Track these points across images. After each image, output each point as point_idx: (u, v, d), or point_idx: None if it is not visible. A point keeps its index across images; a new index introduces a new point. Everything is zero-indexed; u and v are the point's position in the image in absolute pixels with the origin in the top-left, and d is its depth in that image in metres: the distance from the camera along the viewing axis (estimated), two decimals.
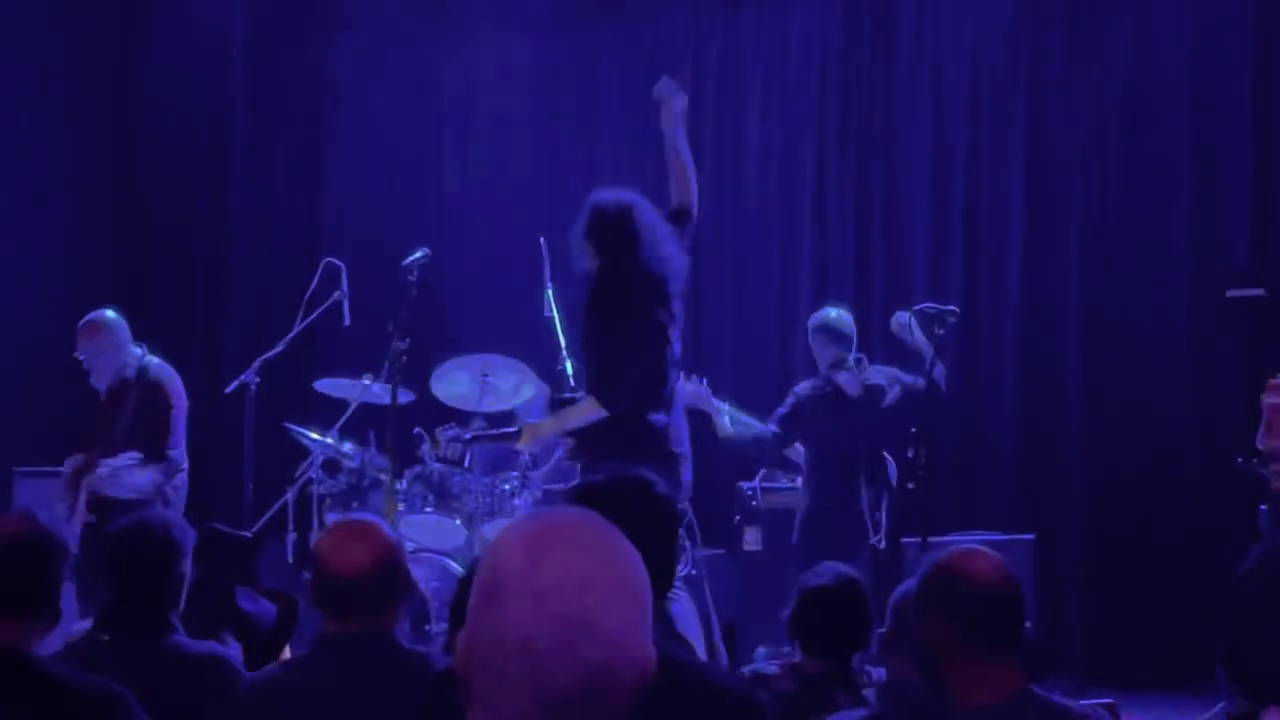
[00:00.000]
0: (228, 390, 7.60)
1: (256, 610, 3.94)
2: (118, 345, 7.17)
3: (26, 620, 3.06)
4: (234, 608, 4.14)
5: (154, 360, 7.24)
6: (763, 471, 8.16)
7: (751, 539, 7.93)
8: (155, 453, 7.01)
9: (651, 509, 2.93)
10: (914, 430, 6.21)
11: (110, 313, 7.21)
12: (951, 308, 6.68)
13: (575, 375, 7.16)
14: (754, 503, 7.98)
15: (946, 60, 8.87)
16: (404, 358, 6.90)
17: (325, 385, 7.97)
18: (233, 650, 3.98)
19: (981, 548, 3.04)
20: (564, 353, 6.97)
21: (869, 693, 3.55)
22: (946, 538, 6.32)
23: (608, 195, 5.94)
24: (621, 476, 3.01)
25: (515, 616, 1.62)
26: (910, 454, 6.17)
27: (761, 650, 7.26)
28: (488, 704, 1.64)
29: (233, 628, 4.10)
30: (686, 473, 5.93)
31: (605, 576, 1.64)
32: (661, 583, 2.72)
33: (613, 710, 1.64)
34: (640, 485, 2.99)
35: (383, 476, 7.25)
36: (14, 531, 3.08)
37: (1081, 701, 3.36)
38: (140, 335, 10.03)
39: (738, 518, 8.01)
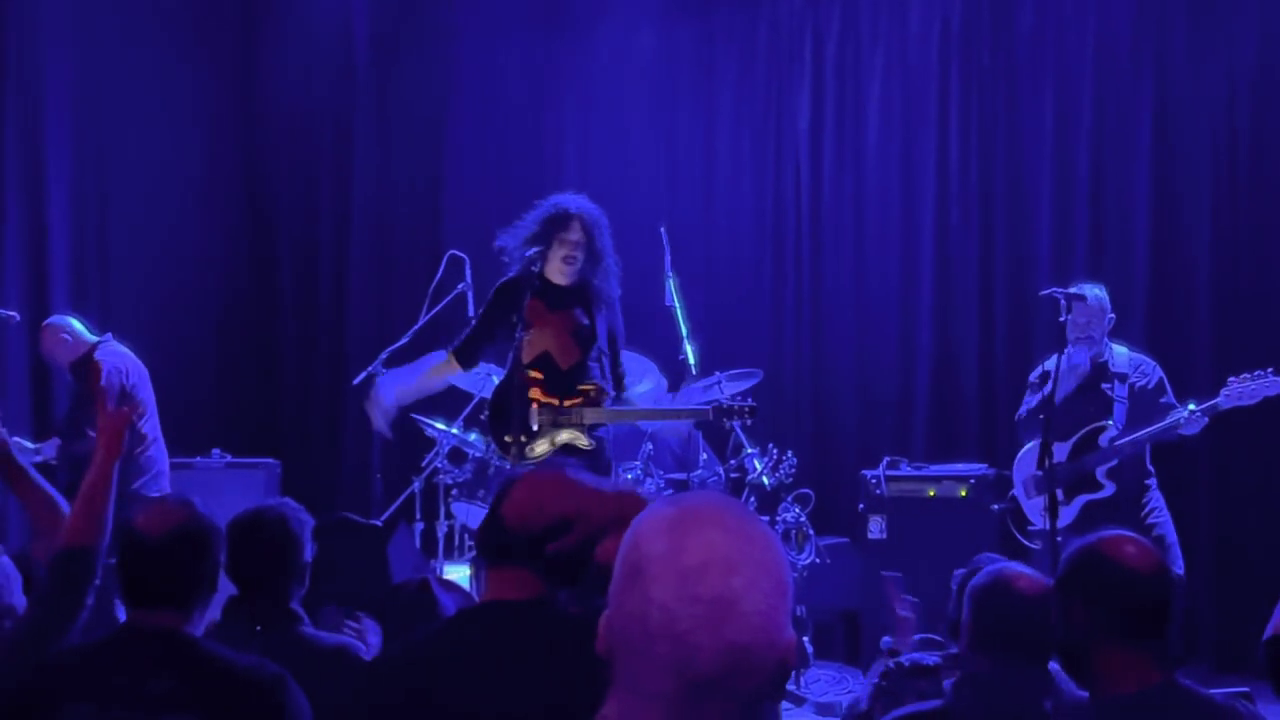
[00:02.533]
0: (355, 382, 7.71)
1: (445, 600, 3.99)
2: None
3: (188, 606, 3.15)
4: (367, 594, 4.20)
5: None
6: (886, 459, 8.11)
7: (875, 528, 7.88)
8: None
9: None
10: (1042, 416, 6.13)
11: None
12: (1077, 291, 6.57)
13: (696, 363, 7.19)
14: (878, 491, 7.93)
15: (1070, 38, 8.74)
16: (526, 348, 6.96)
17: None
18: (371, 634, 4.04)
19: (1130, 533, 2.98)
20: (685, 341, 6.98)
21: (946, 684, 3.51)
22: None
23: None
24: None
25: (658, 599, 1.63)
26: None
27: (886, 639, 7.21)
28: (630, 684, 1.66)
29: (371, 613, 4.16)
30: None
31: (748, 559, 1.65)
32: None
33: (753, 691, 1.65)
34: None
35: (507, 465, 7.31)
36: (175, 523, 3.16)
37: (1216, 691, 3.30)
38: (268, 331, 10.25)
39: (861, 506, 7.97)
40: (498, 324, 6.66)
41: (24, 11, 8.83)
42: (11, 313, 7.14)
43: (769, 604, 1.67)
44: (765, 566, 1.68)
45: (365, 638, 4.01)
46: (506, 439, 6.59)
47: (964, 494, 7.84)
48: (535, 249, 6.58)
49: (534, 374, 6.67)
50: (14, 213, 8.76)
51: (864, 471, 8.07)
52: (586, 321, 6.71)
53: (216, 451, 8.92)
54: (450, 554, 8.06)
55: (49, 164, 8.96)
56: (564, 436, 6.63)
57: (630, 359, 7.43)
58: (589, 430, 6.63)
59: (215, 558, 3.21)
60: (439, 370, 6.87)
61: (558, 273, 6.73)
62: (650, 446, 7.84)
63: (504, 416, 6.50)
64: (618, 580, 1.71)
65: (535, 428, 6.65)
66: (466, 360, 6.84)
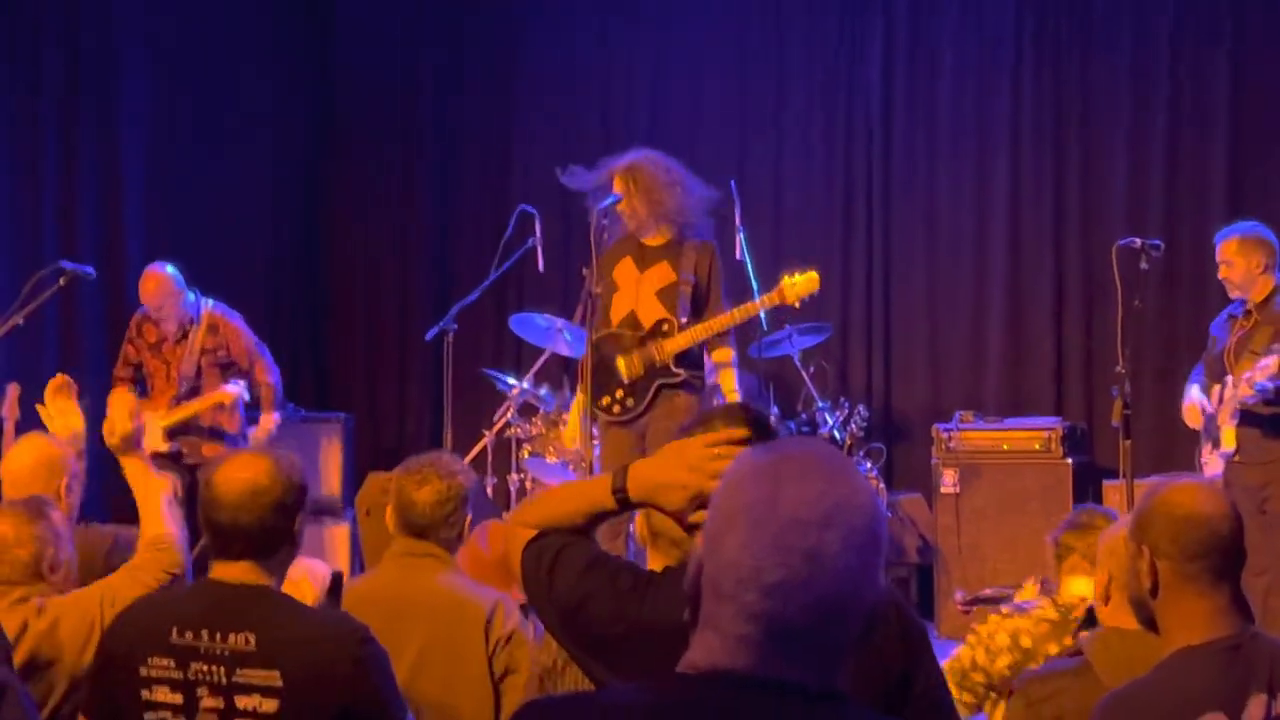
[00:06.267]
0: (427, 337, 7.74)
1: None
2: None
3: (270, 559, 3.17)
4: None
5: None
6: (958, 414, 8.07)
7: (948, 482, 7.85)
8: None
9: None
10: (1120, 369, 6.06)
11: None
12: (1156, 241, 6.48)
13: (766, 317, 7.15)
14: (951, 445, 7.89)
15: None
16: (596, 302, 6.95)
17: (518, 323, 8.08)
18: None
19: (1200, 480, 2.94)
20: (756, 296, 6.93)
21: (1080, 639, 3.47)
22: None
23: None
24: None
25: (751, 547, 1.63)
26: (1115, 392, 6.04)
27: (960, 594, 7.20)
28: (715, 626, 1.66)
29: None
30: None
31: (842, 510, 1.64)
32: None
33: (840, 642, 1.65)
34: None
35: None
36: (257, 476, 3.17)
37: None
38: (339, 288, 10.30)
39: (934, 460, 7.93)
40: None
41: (100, 20, 8.88)
42: (87, 268, 7.20)
43: (861, 557, 1.66)
44: (860, 518, 1.66)
45: None
46: (604, 400, 6.59)
47: (1038, 447, 7.79)
48: (606, 203, 6.55)
49: (617, 331, 6.66)
50: (89, 175, 8.83)
51: (937, 425, 8.03)
52: (686, 279, 6.64)
53: (290, 405, 9.00)
54: None
55: (123, 131, 9.02)
56: (657, 382, 6.61)
57: None
58: (677, 361, 6.59)
59: (297, 511, 3.21)
60: None
61: (635, 225, 6.69)
62: (719, 402, 7.83)
63: (597, 379, 6.48)
64: (711, 524, 1.71)
65: (627, 380, 6.64)
66: None
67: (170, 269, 7.55)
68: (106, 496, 6.94)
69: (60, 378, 5.21)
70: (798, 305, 6.66)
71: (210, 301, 7.67)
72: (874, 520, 1.68)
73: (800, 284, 6.58)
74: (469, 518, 3.93)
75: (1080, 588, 4.01)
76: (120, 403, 4.34)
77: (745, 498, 1.66)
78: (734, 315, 6.58)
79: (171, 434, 7.51)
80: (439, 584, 3.82)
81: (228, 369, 7.59)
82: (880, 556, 1.69)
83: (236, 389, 7.50)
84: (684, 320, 6.58)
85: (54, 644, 3.62)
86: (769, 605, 1.61)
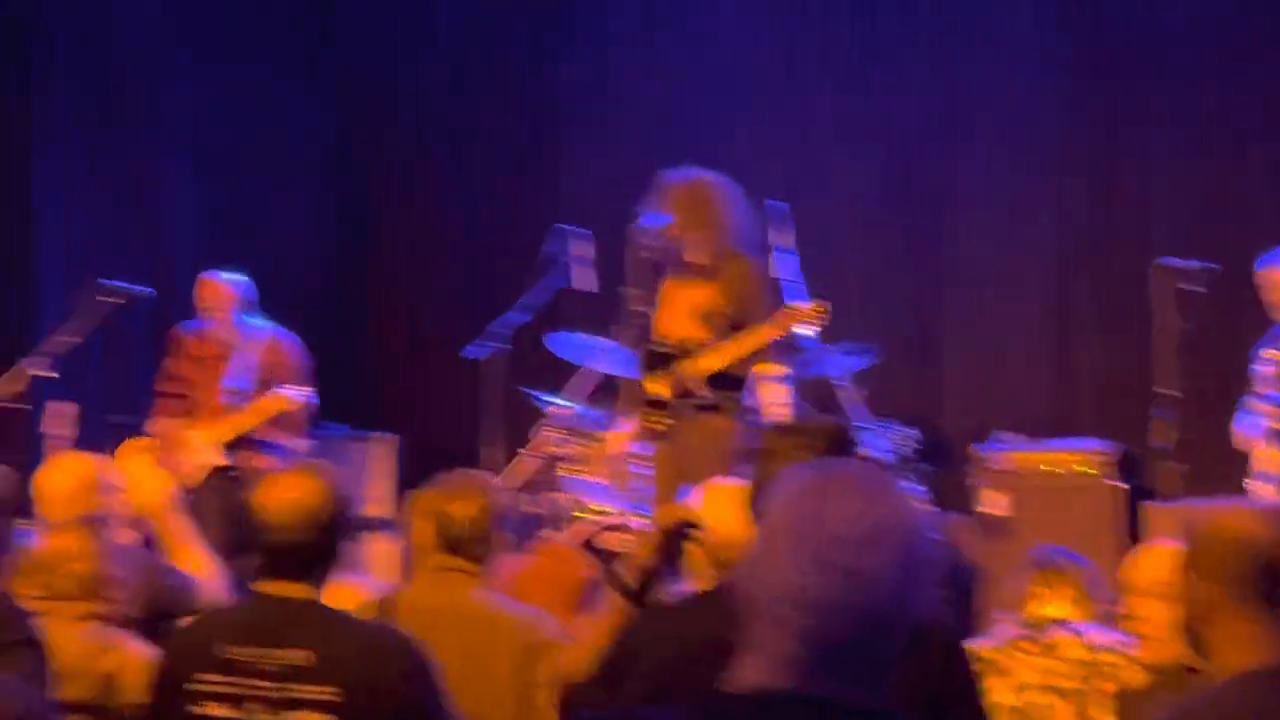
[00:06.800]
0: (470, 355, 7.75)
1: None
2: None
3: (319, 575, 3.18)
4: None
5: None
6: (1002, 435, 8.03)
7: (994, 504, 7.81)
8: None
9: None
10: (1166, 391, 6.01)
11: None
12: (1201, 262, 6.43)
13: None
14: (995, 467, 7.86)
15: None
16: (638, 321, 6.94)
17: (558, 341, 8.08)
18: None
19: (1251, 503, 2.91)
20: None
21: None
22: None
23: None
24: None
25: (794, 567, 1.65)
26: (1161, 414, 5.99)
27: (997, 614, 7.16)
28: (759, 645, 1.66)
29: None
30: None
31: (883, 529, 1.65)
32: None
33: (884, 657, 1.65)
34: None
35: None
36: (308, 493, 3.18)
37: None
38: (378, 305, 10.34)
39: (979, 482, 7.89)
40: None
41: (145, 41, 8.96)
42: (145, 288, 7.25)
43: (903, 574, 1.67)
44: (903, 537, 1.67)
45: None
46: (647, 424, 6.58)
47: (1083, 470, 7.74)
48: (656, 224, 6.55)
49: (656, 350, 6.66)
50: (134, 193, 8.90)
51: (980, 446, 7.99)
52: (715, 299, 6.63)
53: (333, 424, 9.03)
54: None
55: (168, 149, 9.09)
56: (686, 402, 6.60)
57: None
58: (707, 382, 6.58)
59: (347, 528, 3.23)
60: None
61: (681, 245, 6.69)
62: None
63: (635, 397, 6.48)
64: (756, 544, 1.71)
65: (657, 400, 6.64)
66: None
67: (229, 276, 7.60)
68: None
69: (142, 441, 5.10)
70: (811, 332, 6.55)
71: (271, 324, 7.72)
72: (915, 538, 1.68)
73: (801, 313, 6.49)
74: (504, 534, 3.94)
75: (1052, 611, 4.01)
76: (148, 470, 4.41)
77: (788, 517, 1.68)
78: (742, 342, 6.50)
79: (226, 448, 7.53)
80: (472, 599, 3.84)
81: (276, 387, 7.62)
82: (924, 573, 1.69)
83: (300, 394, 7.51)
84: (714, 341, 6.57)
85: (117, 689, 3.67)
86: (811, 622, 1.62)
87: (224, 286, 7.58)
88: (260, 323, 7.72)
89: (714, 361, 6.51)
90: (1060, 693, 3.84)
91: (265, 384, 7.61)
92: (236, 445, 7.57)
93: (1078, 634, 3.90)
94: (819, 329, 6.71)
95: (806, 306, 6.49)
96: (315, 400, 7.75)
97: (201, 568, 4.28)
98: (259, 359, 7.60)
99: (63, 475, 4.54)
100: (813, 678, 1.65)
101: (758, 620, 1.67)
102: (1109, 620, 4.21)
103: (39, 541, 4.48)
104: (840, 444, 2.58)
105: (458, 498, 3.88)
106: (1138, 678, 3.72)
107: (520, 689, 3.74)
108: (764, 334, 6.52)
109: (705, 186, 6.63)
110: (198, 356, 7.67)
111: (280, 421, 7.62)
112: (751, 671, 1.67)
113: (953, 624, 3.47)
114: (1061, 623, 3.93)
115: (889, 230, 9.28)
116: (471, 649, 3.73)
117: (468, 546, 3.87)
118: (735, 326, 6.61)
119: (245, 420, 7.51)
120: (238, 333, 7.63)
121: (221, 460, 7.50)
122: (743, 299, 6.60)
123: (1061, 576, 4.09)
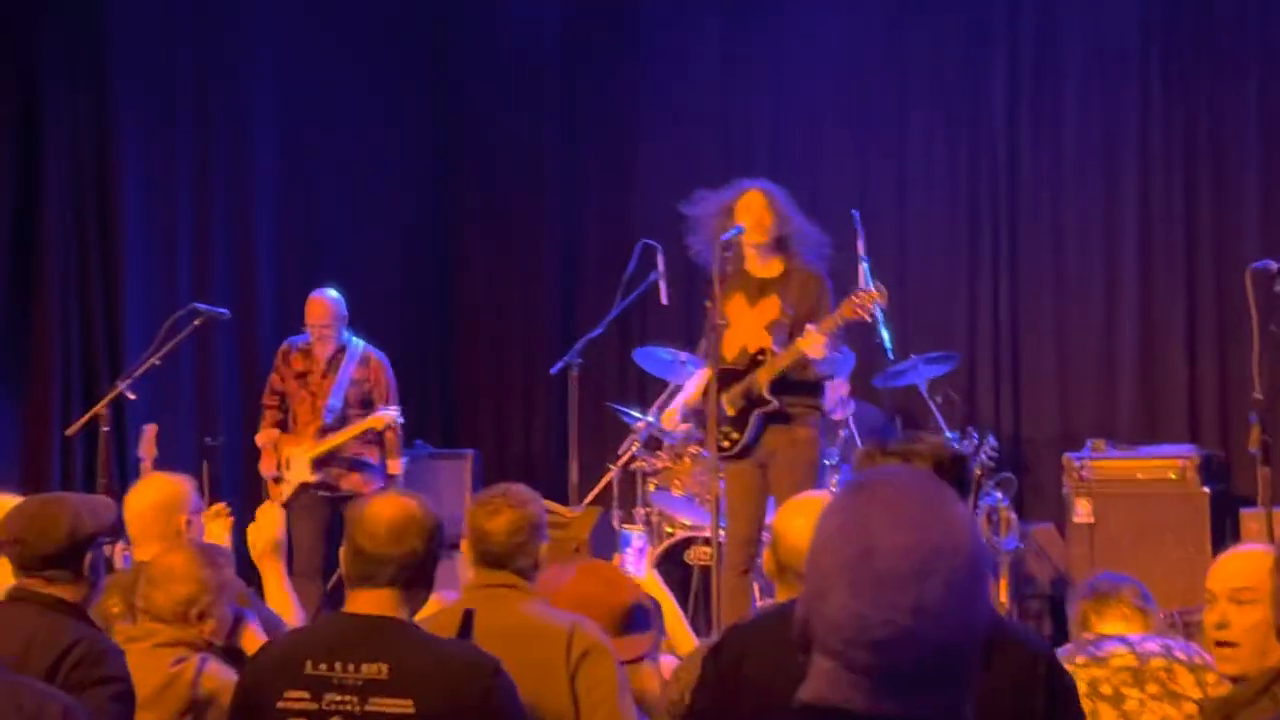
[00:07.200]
0: (553, 371, 7.79)
1: None
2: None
3: (406, 593, 3.21)
4: None
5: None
6: (1090, 442, 7.94)
7: (1081, 511, 7.73)
8: None
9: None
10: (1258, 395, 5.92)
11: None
12: None
13: (893, 348, 7.10)
14: (1083, 474, 7.77)
15: (1274, 17, 8.47)
16: (718, 334, 6.92)
17: (642, 356, 8.09)
18: None
19: None
20: (881, 326, 6.86)
21: None
22: None
23: None
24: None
25: (852, 607, 1.59)
26: (1253, 418, 5.89)
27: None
28: (828, 678, 1.61)
29: None
30: None
31: (940, 555, 1.59)
32: None
33: (959, 675, 1.61)
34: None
35: (704, 453, 7.31)
36: (401, 512, 3.22)
37: None
38: (463, 323, 10.41)
39: (1065, 489, 7.81)
40: None
41: (230, 64, 9.07)
42: (222, 309, 7.36)
43: (967, 597, 1.61)
44: (962, 557, 1.60)
45: None
46: (722, 442, 6.57)
47: (1173, 476, 7.64)
48: (729, 234, 6.55)
49: (729, 367, 6.65)
50: (222, 217, 9.00)
51: (1069, 454, 7.91)
52: (787, 311, 6.62)
53: (419, 442, 9.10)
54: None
55: (256, 173, 9.20)
56: (755, 411, 6.59)
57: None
58: (771, 389, 6.57)
59: (437, 548, 3.26)
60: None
61: (749, 258, 6.70)
62: (848, 432, 7.79)
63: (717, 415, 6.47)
64: (809, 581, 1.66)
65: (731, 415, 6.64)
66: None
67: (335, 293, 7.74)
68: None
69: (219, 506, 5.14)
70: (869, 319, 6.52)
71: (364, 342, 7.83)
72: (974, 557, 1.61)
73: (860, 298, 6.47)
74: (543, 545, 3.91)
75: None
76: (270, 513, 4.46)
77: (840, 557, 1.60)
78: (798, 344, 6.50)
79: (318, 464, 7.63)
80: (521, 612, 3.82)
81: (370, 405, 7.72)
82: (986, 590, 1.64)
83: (392, 413, 7.62)
84: (780, 351, 6.58)
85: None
86: (878, 659, 1.57)
87: (331, 304, 7.71)
88: (357, 341, 7.83)
89: (780, 362, 6.52)
90: (1102, 698, 3.81)
91: (360, 402, 7.71)
92: (328, 462, 7.66)
93: (1129, 645, 3.87)
94: (880, 312, 6.70)
95: (864, 292, 6.47)
96: (402, 419, 7.83)
97: (288, 613, 4.32)
98: (356, 376, 7.72)
99: (153, 494, 4.61)
100: (888, 700, 1.61)
101: (824, 657, 1.62)
102: (1173, 629, 4.19)
103: (134, 560, 4.56)
104: (948, 467, 2.54)
105: (493, 513, 3.88)
106: (1210, 682, 3.68)
107: (572, 694, 3.73)
108: (827, 324, 6.49)
109: (770, 197, 6.65)
110: (302, 372, 7.78)
111: (374, 439, 7.71)
112: (825, 685, 1.63)
113: (1037, 636, 3.44)
114: (1116, 637, 3.92)
115: (972, 238, 9.22)
116: (525, 662, 3.73)
117: (509, 560, 3.86)
118: (792, 335, 6.62)
119: (342, 437, 7.61)
120: (342, 350, 7.76)
121: (311, 477, 7.59)
122: (810, 309, 6.60)
123: (1106, 601, 4.09)
